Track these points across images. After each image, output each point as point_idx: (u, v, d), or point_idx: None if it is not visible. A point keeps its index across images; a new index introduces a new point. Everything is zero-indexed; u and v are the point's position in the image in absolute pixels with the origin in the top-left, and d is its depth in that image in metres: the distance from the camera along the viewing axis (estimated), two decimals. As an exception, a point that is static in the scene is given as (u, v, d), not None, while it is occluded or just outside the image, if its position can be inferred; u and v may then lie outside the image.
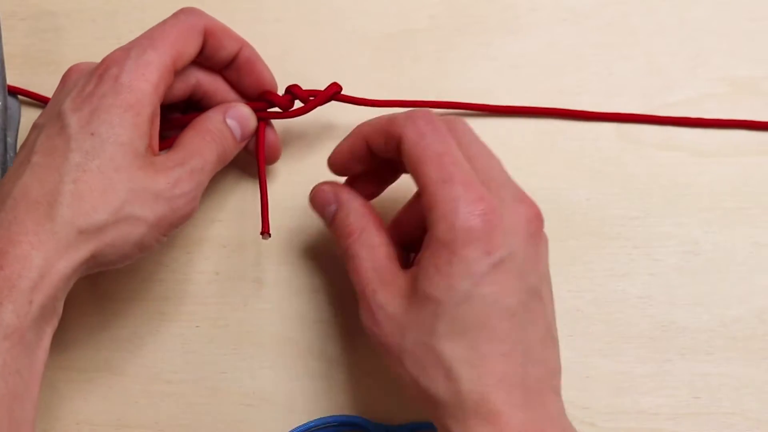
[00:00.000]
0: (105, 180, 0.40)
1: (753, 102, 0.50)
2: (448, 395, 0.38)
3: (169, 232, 0.42)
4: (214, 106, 0.46)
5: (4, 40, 0.49)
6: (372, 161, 0.44)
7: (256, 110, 0.46)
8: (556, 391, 0.40)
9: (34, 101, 0.51)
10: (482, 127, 0.50)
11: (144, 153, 0.41)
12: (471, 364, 0.38)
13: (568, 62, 0.51)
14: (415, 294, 0.39)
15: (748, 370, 0.48)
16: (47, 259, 0.38)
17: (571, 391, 0.47)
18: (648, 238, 0.49)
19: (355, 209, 0.44)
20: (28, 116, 0.51)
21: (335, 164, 0.45)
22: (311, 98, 0.47)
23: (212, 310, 0.49)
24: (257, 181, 0.50)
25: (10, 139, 0.49)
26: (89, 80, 0.42)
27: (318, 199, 0.45)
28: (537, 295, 0.40)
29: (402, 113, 0.42)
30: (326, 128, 0.50)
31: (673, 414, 0.47)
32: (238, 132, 0.45)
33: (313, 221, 0.49)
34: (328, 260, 0.49)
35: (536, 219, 0.40)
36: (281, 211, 0.49)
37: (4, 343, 0.37)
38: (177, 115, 0.47)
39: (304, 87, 0.47)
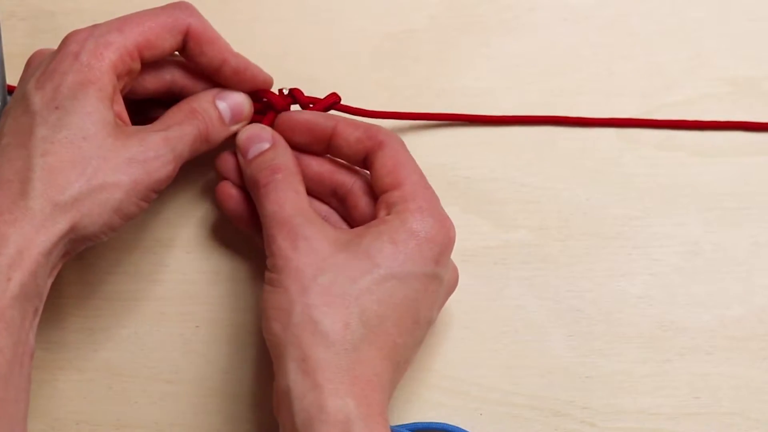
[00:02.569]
0: (74, 150, 0.40)
1: (753, 102, 0.50)
2: (336, 338, 0.40)
3: (149, 197, 0.42)
4: None
5: (4, 40, 0.49)
6: (312, 145, 0.46)
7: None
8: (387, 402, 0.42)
9: (34, 101, 0.51)
10: (482, 128, 0.50)
11: (113, 122, 0.41)
12: (370, 329, 0.40)
13: (568, 62, 0.51)
14: (354, 248, 0.41)
15: (748, 370, 0.48)
16: (24, 235, 0.38)
17: (571, 391, 0.47)
18: (648, 238, 0.49)
19: (288, 156, 0.45)
20: (28, 116, 0.51)
21: (290, 119, 0.45)
22: (310, 105, 0.47)
23: (212, 310, 0.49)
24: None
25: (9, 139, 0.49)
26: (51, 58, 0.42)
27: (253, 133, 0.45)
28: (426, 325, 0.43)
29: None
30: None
31: (673, 414, 0.47)
32: (227, 115, 0.45)
33: (313, 221, 0.49)
34: (328, 260, 0.49)
35: (456, 282, 0.45)
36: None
37: None
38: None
39: (304, 86, 0.47)
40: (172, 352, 0.48)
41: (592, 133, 0.50)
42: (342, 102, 0.47)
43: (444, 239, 0.42)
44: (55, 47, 0.43)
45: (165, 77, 0.45)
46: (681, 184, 0.49)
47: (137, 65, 0.43)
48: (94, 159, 0.40)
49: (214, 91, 0.45)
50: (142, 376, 0.48)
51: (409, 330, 0.42)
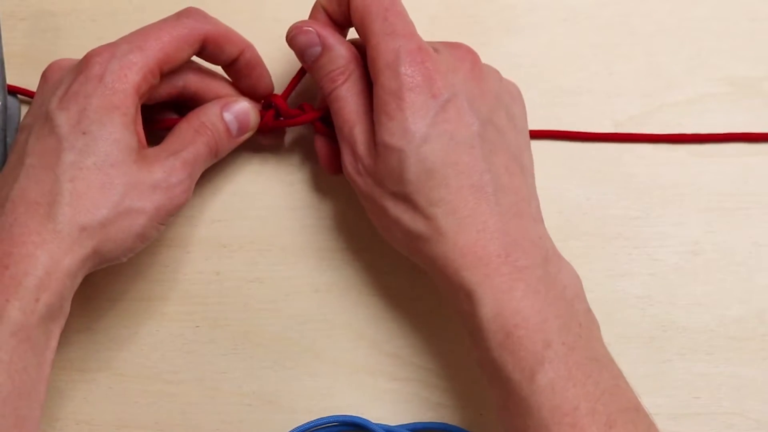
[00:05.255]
0: (102, 176, 0.40)
1: (753, 102, 0.50)
2: (430, 233, 0.41)
3: (167, 220, 0.43)
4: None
5: (4, 40, 0.49)
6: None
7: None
8: (534, 217, 0.42)
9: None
10: (482, 127, 0.50)
11: (136, 148, 0.41)
12: (444, 201, 0.41)
13: (568, 62, 0.51)
14: (378, 145, 0.42)
15: (748, 370, 0.48)
16: (52, 257, 0.39)
17: (571, 391, 0.47)
18: (648, 238, 0.49)
19: (341, 54, 0.44)
20: (28, 116, 0.51)
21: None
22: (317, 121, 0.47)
23: (212, 310, 0.49)
24: (258, 182, 0.50)
25: (9, 139, 0.49)
26: (74, 78, 0.42)
27: (300, 40, 0.44)
28: (490, 124, 0.42)
29: None
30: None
31: (673, 414, 0.47)
32: (234, 127, 0.45)
33: (312, 221, 0.49)
34: (328, 260, 0.49)
35: (469, 54, 0.44)
36: (279, 212, 0.49)
37: (10, 340, 0.38)
38: (173, 117, 0.47)
39: (305, 86, 0.47)
40: (172, 352, 0.48)
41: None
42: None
43: (422, 77, 0.41)
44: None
45: (177, 83, 0.45)
46: (681, 184, 0.49)
47: (158, 81, 0.43)
48: (120, 185, 0.40)
49: (220, 103, 0.45)
50: (142, 376, 0.48)
51: (474, 160, 0.42)
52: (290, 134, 0.50)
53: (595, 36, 0.51)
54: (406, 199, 0.41)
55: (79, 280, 0.41)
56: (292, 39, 0.44)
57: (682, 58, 0.50)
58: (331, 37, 0.44)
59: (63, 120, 0.41)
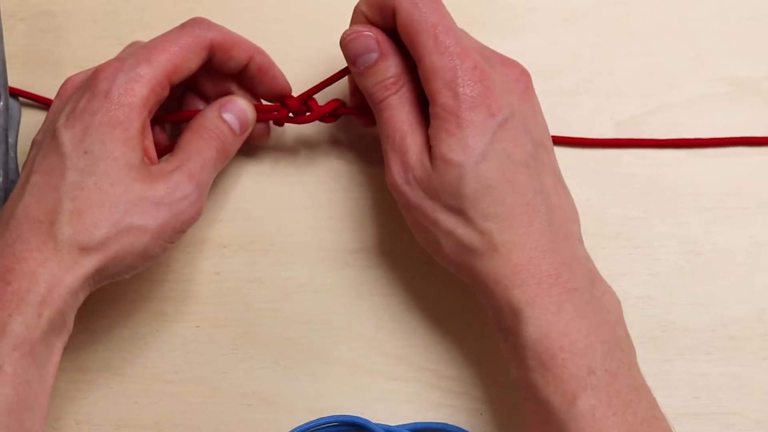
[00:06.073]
0: (102, 195, 0.40)
1: (753, 102, 0.50)
2: (483, 247, 0.41)
3: (175, 238, 0.43)
4: (205, 86, 0.46)
5: (4, 40, 0.49)
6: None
7: (269, 110, 0.47)
8: (578, 238, 0.43)
9: (34, 102, 0.51)
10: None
11: (139, 164, 0.41)
12: (500, 217, 0.41)
13: (568, 62, 0.51)
14: (435, 159, 0.41)
15: (748, 370, 0.48)
16: (53, 274, 0.39)
17: (571, 391, 0.47)
18: (648, 238, 0.49)
19: (396, 63, 0.44)
20: (29, 117, 0.51)
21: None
22: (327, 115, 0.47)
23: (212, 310, 0.49)
24: (257, 181, 0.50)
25: (11, 140, 0.49)
26: (82, 95, 0.42)
27: (359, 44, 0.43)
28: (542, 145, 0.43)
29: None
30: (329, 134, 0.50)
31: (673, 414, 0.47)
32: (236, 125, 0.45)
33: (312, 221, 0.49)
34: (328, 260, 0.49)
35: (523, 75, 0.44)
36: (279, 212, 0.49)
37: (13, 353, 0.38)
38: (173, 114, 0.47)
39: (304, 87, 0.47)
40: (172, 352, 0.48)
41: (592, 132, 0.50)
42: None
43: (480, 97, 0.41)
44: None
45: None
46: (681, 184, 0.49)
47: (167, 92, 0.43)
48: (120, 204, 0.40)
49: (217, 105, 0.45)
50: (142, 376, 0.48)
51: (528, 179, 0.42)
52: (290, 135, 0.50)
53: (595, 36, 0.51)
54: (460, 212, 0.41)
55: (83, 296, 0.41)
56: (348, 42, 0.43)
57: (682, 58, 0.50)
58: (387, 44, 0.44)
59: (67, 139, 0.41)
